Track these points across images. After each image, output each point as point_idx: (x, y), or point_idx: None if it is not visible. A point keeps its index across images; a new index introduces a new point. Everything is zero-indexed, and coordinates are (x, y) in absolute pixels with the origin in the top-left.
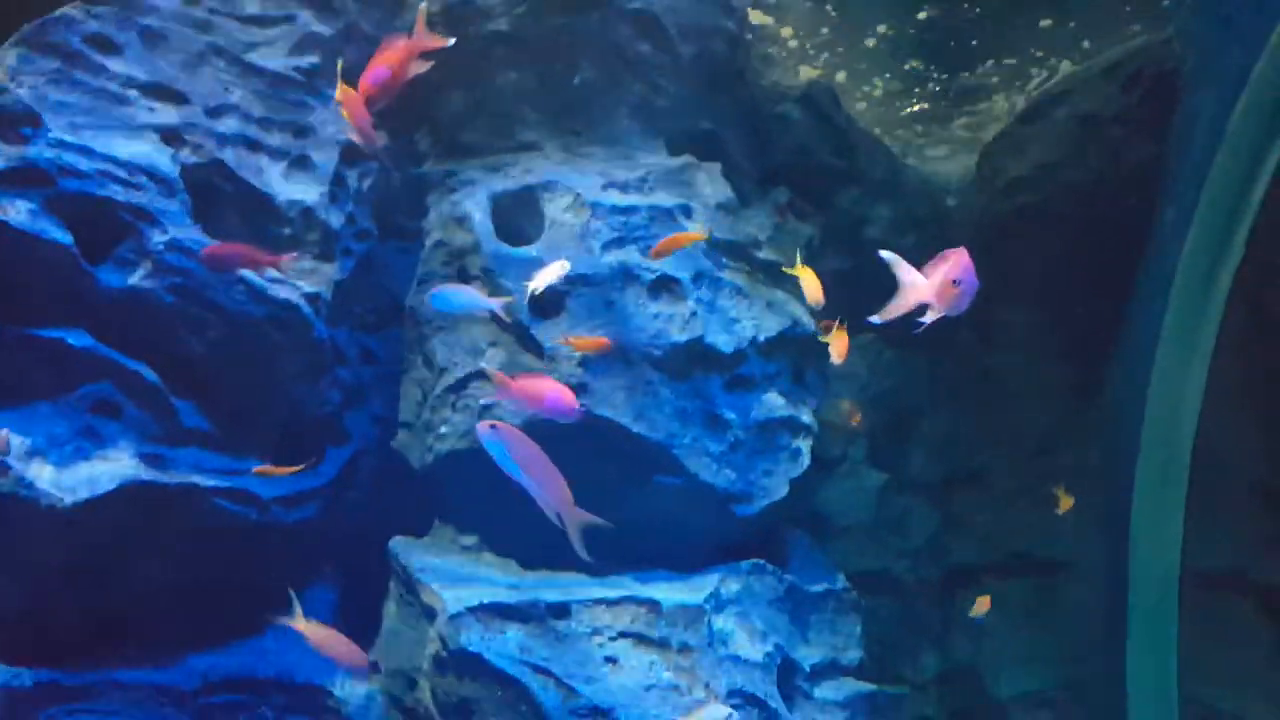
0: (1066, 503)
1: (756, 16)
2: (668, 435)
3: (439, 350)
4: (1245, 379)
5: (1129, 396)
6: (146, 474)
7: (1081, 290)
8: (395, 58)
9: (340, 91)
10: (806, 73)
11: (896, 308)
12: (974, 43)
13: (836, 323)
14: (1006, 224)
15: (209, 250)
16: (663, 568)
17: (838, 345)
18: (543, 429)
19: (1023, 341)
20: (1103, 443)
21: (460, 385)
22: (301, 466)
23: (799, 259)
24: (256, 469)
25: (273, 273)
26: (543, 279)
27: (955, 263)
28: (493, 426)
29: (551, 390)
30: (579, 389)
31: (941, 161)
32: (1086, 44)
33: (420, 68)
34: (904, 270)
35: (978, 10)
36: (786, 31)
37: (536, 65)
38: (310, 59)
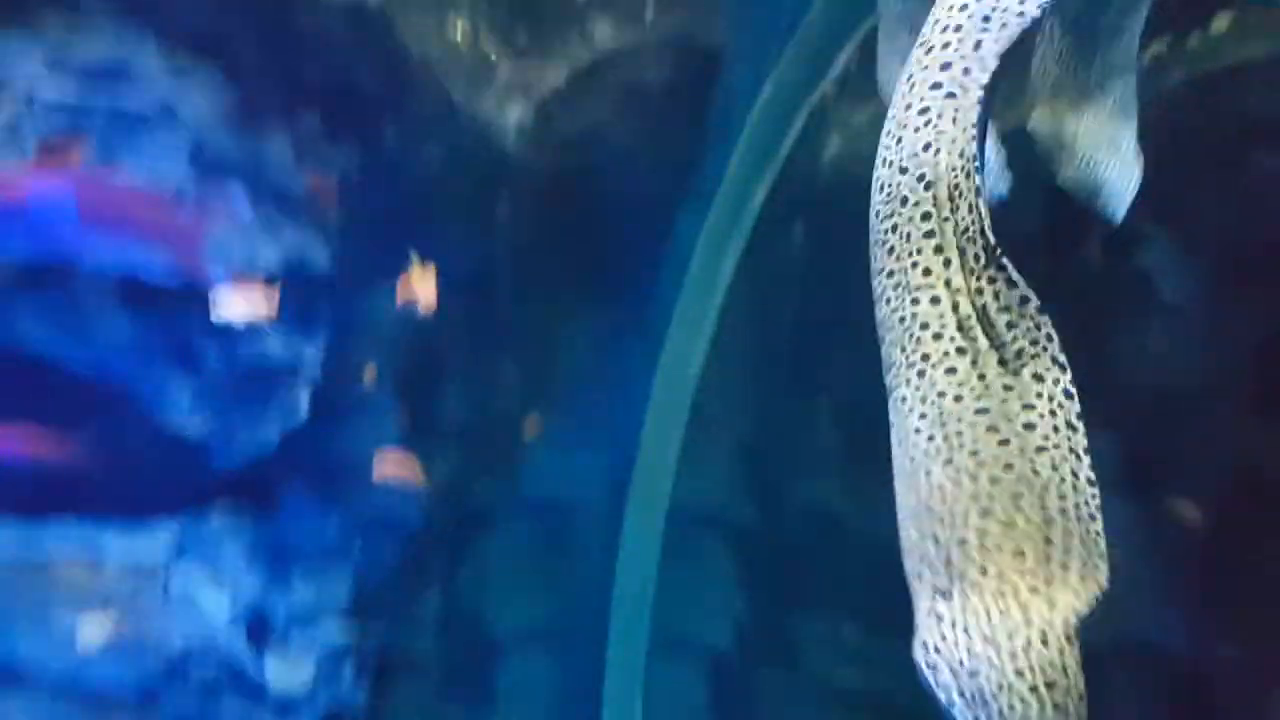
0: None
1: None
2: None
3: None
4: (742, 355)
5: (644, 356)
6: None
7: (615, 252)
8: None
9: None
10: None
11: None
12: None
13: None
14: (556, 181)
15: None
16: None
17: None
18: None
19: (558, 295)
20: (618, 397)
21: None
22: None
23: (414, 261)
24: None
25: None
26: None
27: None
28: None
29: None
30: None
31: (498, 112)
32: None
33: None
34: None
35: None
36: None
37: None
38: None
